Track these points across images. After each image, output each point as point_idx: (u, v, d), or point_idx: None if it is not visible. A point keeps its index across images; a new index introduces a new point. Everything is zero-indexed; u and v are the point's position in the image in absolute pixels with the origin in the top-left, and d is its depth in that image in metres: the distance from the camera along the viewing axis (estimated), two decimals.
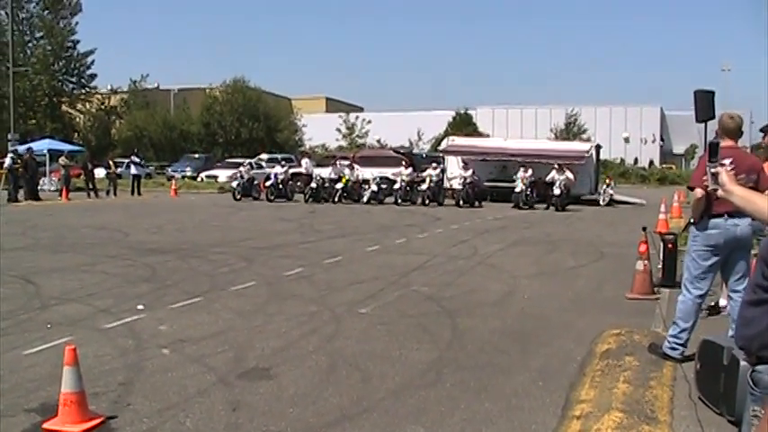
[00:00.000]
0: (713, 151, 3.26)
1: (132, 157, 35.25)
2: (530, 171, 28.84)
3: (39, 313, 8.56)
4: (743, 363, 4.03)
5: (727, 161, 5.98)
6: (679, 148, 79.91)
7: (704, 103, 13.15)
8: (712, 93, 13.45)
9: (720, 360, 5.19)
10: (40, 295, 9.64)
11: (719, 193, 3.09)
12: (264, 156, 46.06)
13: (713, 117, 12.11)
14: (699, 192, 6.13)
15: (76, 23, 60.67)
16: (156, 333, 7.66)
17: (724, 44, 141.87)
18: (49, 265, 12.26)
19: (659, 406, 5.45)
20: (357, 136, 68.06)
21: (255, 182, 31.82)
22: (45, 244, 15.20)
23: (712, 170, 3.11)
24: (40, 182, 31.72)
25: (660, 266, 10.75)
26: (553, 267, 12.82)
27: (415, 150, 50.11)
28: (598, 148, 35.06)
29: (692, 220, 6.73)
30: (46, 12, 59.20)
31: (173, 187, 35.14)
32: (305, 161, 34.49)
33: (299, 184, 32.04)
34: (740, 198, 3.01)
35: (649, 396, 5.65)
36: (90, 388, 5.39)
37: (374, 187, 29.56)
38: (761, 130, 7.99)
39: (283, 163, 33.03)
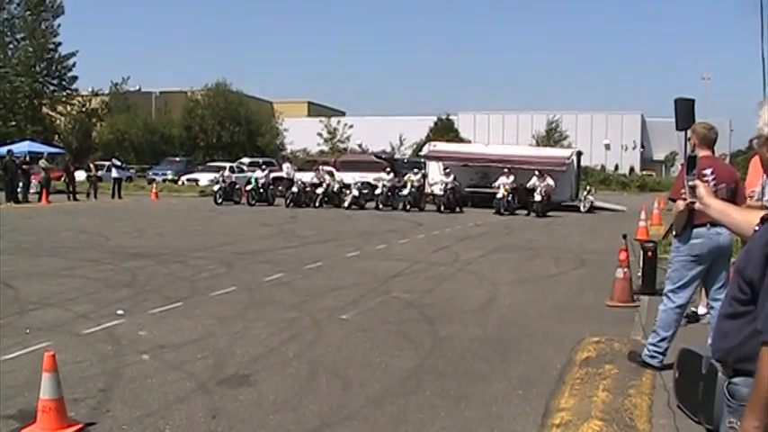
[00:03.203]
0: (691, 164, 3.32)
1: (113, 160, 35.10)
2: (511, 177, 28.96)
3: (17, 318, 8.49)
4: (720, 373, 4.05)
5: (708, 171, 6.11)
6: (659, 155, 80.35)
7: (684, 112, 13.14)
8: (692, 101, 13.47)
9: (699, 369, 5.22)
10: (18, 300, 9.56)
11: (697, 206, 3.14)
12: (246, 160, 46.04)
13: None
14: (681, 204, 6.17)
15: (59, 26, 60.22)
16: (135, 339, 7.62)
17: (705, 53, 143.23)
18: (29, 269, 12.15)
19: (638, 414, 5.49)
20: (338, 140, 67.99)
21: (237, 186, 31.74)
22: (24, 248, 15.06)
23: (690, 183, 3.15)
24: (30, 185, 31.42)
25: (640, 274, 10.82)
26: (534, 274, 12.87)
27: (397, 155, 50.16)
28: (579, 154, 35.32)
29: (673, 232, 6.77)
30: (28, 13, 58.67)
31: (153, 191, 35.01)
32: (286, 165, 34.48)
33: (280, 188, 31.99)
34: (717, 211, 3.06)
35: (628, 404, 5.69)
36: (69, 394, 5.35)
37: (355, 192, 29.54)
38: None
39: (264, 167, 33.01)
